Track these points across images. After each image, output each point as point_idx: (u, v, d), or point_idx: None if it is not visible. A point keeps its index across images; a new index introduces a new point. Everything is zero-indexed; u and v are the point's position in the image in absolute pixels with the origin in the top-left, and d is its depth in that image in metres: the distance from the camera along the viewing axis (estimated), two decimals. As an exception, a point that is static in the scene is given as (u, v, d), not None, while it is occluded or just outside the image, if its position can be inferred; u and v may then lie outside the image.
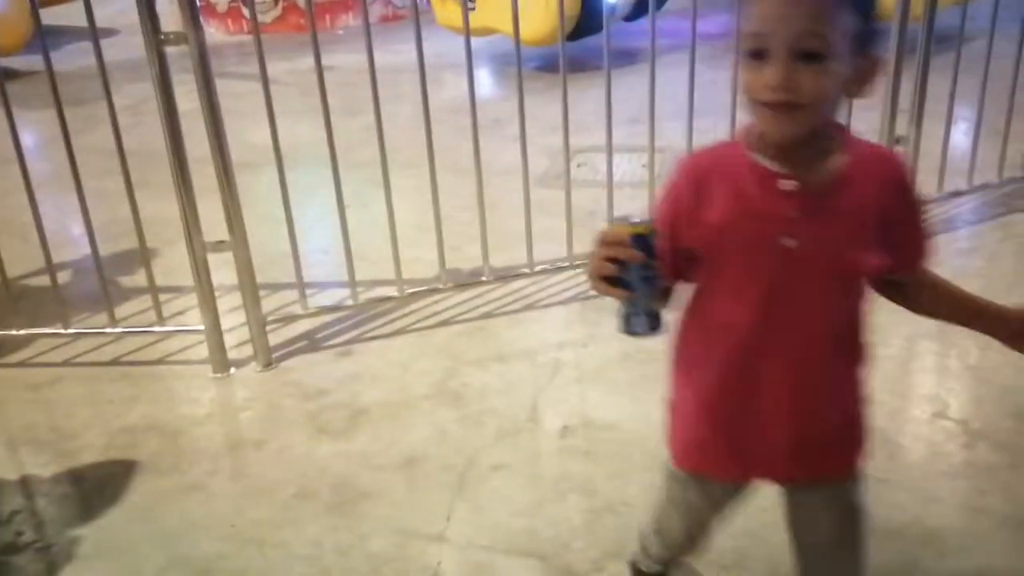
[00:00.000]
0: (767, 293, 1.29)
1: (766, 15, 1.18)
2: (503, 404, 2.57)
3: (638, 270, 1.22)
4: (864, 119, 3.29)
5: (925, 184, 3.27)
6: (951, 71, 3.29)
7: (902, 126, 3.20)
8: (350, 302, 2.96)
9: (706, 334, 1.37)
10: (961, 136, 3.58)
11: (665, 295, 1.32)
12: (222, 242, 2.64)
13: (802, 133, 1.21)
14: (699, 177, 1.31)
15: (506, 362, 2.77)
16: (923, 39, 3.06)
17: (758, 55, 1.18)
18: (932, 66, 3.19)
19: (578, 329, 2.91)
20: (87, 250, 2.86)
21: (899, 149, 3.17)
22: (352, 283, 2.94)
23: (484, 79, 5.88)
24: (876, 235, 1.27)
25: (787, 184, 1.24)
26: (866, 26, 1.20)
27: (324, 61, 2.72)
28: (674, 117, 3.27)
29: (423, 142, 2.85)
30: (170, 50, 2.45)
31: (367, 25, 2.71)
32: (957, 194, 3.51)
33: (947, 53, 3.29)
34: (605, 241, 1.23)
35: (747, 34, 1.19)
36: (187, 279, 2.79)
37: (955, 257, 3.20)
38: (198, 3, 2.45)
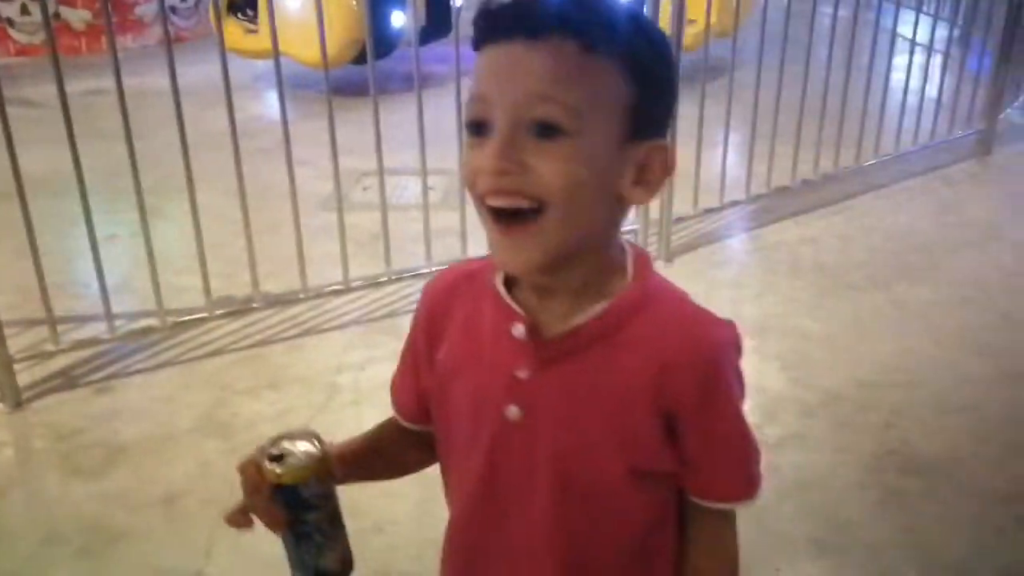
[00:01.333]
0: (483, 478, 0.93)
1: (488, 70, 0.82)
2: (274, 432, 2.51)
3: (293, 529, 0.95)
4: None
5: (681, 202, 3.49)
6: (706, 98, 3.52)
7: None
8: (107, 335, 2.81)
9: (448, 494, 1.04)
10: (718, 158, 3.81)
11: (343, 551, 1.00)
12: (-42, 276, 2.46)
13: (542, 260, 0.83)
14: (437, 302, 0.98)
15: (279, 389, 2.72)
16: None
17: (479, 128, 0.82)
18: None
19: (357, 352, 2.89)
20: None
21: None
22: (108, 315, 2.80)
23: (272, 101, 5.76)
24: (649, 432, 0.88)
25: (518, 329, 0.88)
26: (647, 102, 0.83)
27: (98, 84, 2.61)
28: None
29: (198, 167, 2.78)
30: None
31: (113, 47, 2.61)
32: (710, 211, 3.76)
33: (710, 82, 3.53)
34: (244, 487, 0.94)
35: (468, 100, 0.84)
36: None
37: (709, 269, 3.44)
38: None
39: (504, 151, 0.79)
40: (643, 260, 0.91)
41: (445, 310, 0.96)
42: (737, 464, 0.93)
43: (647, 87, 0.83)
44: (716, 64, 3.76)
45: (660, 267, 3.34)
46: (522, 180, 0.79)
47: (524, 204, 0.80)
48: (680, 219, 3.59)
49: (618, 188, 0.84)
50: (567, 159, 0.79)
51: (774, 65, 3.66)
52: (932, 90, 4.41)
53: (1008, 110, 4.85)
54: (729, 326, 0.90)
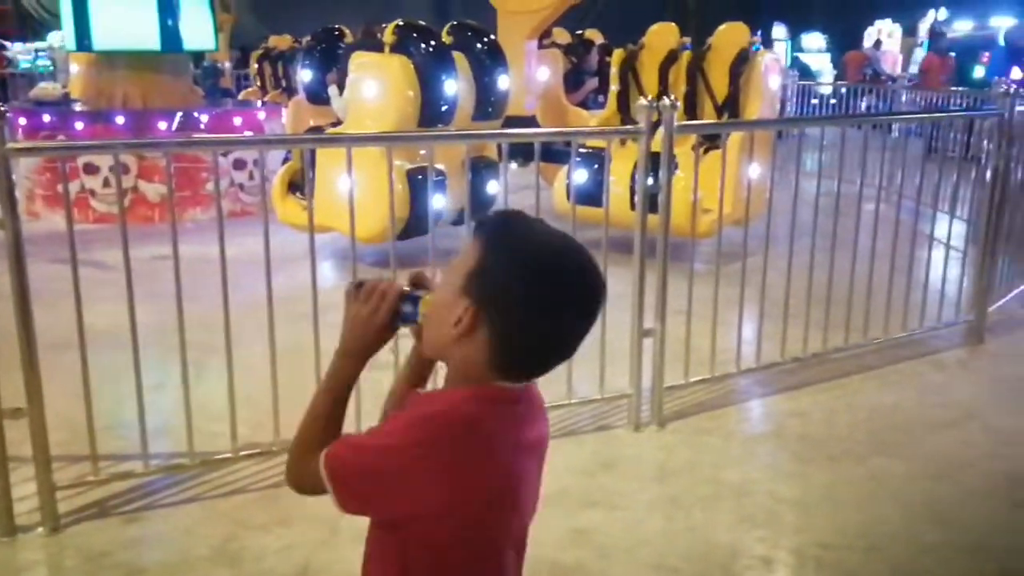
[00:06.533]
0: None
1: None
2: (277, 563, 2.78)
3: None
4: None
5: (671, 373, 3.78)
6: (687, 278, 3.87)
7: (649, 321, 3.72)
8: (142, 469, 3.15)
9: None
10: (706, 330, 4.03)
11: None
12: (19, 409, 2.83)
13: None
14: None
15: (289, 525, 2.99)
16: (661, 250, 3.64)
17: None
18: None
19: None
20: None
21: (647, 340, 3.68)
22: (145, 453, 3.15)
23: (322, 271, 6.27)
24: None
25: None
26: (483, 273, 1.27)
27: (166, 250, 3.09)
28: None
29: (248, 327, 3.21)
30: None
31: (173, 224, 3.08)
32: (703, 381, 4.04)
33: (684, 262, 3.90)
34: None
35: None
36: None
37: (697, 435, 3.69)
38: (16, 194, 2.78)
39: None
40: (478, 388, 1.30)
41: None
42: (348, 445, 1.35)
43: (489, 264, 1.26)
44: (728, 250, 4.20)
45: (652, 431, 3.65)
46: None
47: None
48: (672, 387, 3.85)
49: (448, 325, 1.28)
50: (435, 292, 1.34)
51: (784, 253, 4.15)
52: (935, 280, 4.81)
53: (1003, 300, 5.10)
54: (449, 406, 1.30)
